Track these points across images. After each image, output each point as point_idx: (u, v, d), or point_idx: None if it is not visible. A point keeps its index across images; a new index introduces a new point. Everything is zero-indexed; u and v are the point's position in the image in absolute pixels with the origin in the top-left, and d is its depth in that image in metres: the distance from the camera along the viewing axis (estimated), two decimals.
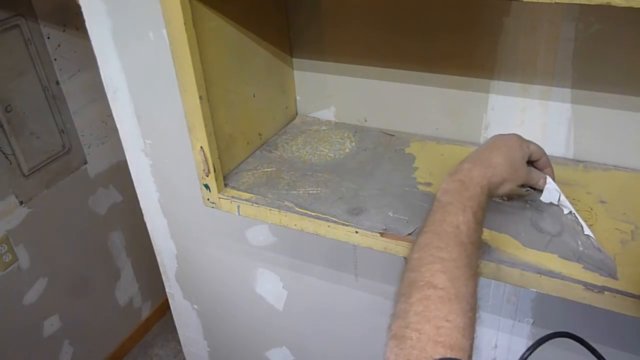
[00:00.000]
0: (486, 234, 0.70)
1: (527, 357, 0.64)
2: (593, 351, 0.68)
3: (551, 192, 0.72)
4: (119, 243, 2.31)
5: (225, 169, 0.86)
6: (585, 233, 0.68)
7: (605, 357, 0.66)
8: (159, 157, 1.21)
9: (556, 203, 0.72)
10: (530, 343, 1.01)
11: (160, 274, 1.47)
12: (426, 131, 0.94)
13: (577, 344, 0.68)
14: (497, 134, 0.70)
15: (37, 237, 1.94)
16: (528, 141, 0.70)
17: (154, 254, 1.43)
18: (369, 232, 0.73)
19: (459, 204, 0.58)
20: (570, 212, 0.71)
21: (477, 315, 0.51)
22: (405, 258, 0.60)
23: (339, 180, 0.84)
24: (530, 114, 0.84)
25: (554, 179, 0.73)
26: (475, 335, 0.49)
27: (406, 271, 0.54)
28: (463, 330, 0.47)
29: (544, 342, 0.66)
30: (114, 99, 1.16)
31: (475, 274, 0.54)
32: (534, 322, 0.97)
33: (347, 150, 0.92)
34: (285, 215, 0.79)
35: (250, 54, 0.87)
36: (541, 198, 0.73)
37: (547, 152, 0.85)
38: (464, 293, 0.50)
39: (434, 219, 0.58)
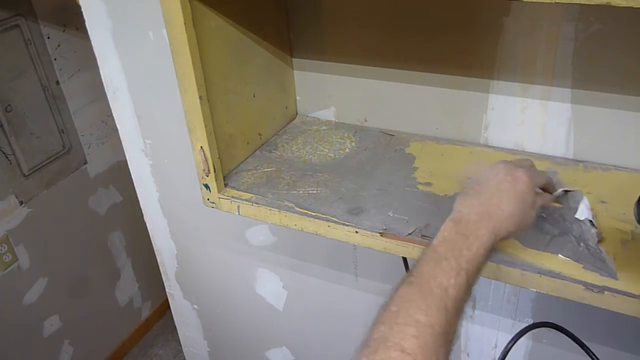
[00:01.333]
0: None
1: (510, 348, 0.64)
2: (576, 340, 0.68)
3: (584, 210, 0.69)
4: (119, 243, 2.31)
5: (225, 169, 0.86)
6: (596, 243, 0.67)
7: (594, 353, 0.66)
8: (159, 157, 1.21)
9: (591, 218, 0.68)
10: (531, 343, 1.02)
11: (160, 274, 1.47)
12: (426, 131, 0.93)
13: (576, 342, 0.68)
14: (502, 163, 0.62)
15: (37, 237, 1.94)
16: (537, 174, 0.63)
17: (154, 254, 1.43)
18: (369, 232, 0.73)
19: (455, 263, 0.53)
20: (591, 221, 0.69)
21: None
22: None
23: (339, 180, 0.84)
24: (530, 114, 0.84)
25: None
26: None
27: (378, 322, 0.50)
28: None
29: (525, 332, 0.66)
30: (114, 99, 1.16)
31: (450, 341, 0.50)
32: (534, 322, 0.97)
33: (347, 150, 0.92)
34: (285, 215, 0.79)
35: (250, 54, 0.87)
36: (576, 215, 0.69)
37: (547, 152, 0.86)
38: None
39: (423, 271, 0.53)
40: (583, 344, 0.71)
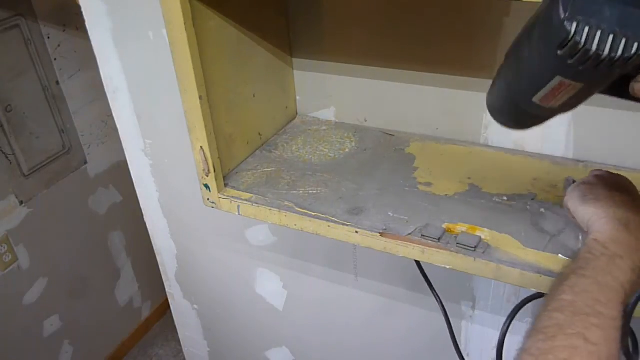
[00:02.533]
0: (486, 234, 0.70)
1: (509, 325, 0.64)
2: None
3: None
4: (119, 243, 2.31)
5: (225, 169, 0.86)
6: None
7: None
8: (159, 157, 1.21)
9: None
10: None
11: (160, 274, 1.47)
12: (426, 131, 0.94)
13: None
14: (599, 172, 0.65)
15: (37, 237, 1.94)
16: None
17: (154, 254, 1.43)
18: (369, 232, 0.73)
19: (631, 262, 0.51)
20: None
21: None
22: (541, 296, 0.53)
23: (339, 180, 0.84)
24: None
25: None
26: None
27: (550, 310, 0.49)
28: None
29: (522, 306, 0.66)
30: (114, 99, 1.16)
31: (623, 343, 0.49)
32: (534, 322, 0.97)
33: (347, 150, 0.92)
34: (285, 215, 0.79)
35: (250, 54, 0.87)
36: None
37: (547, 152, 0.86)
38: (615, 357, 0.45)
39: (596, 266, 0.51)
40: None
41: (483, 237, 0.69)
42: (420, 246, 0.70)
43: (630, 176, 0.78)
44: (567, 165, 0.82)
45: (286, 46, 0.95)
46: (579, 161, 0.83)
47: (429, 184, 0.81)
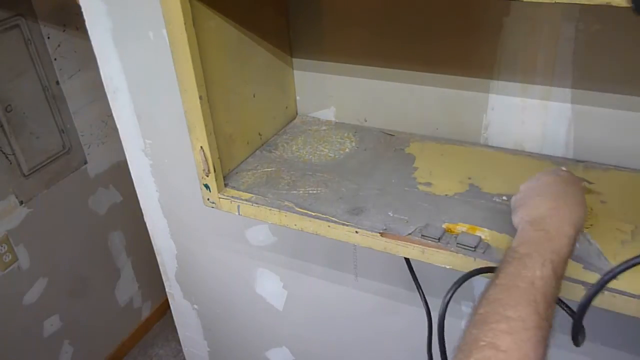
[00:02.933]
0: (486, 234, 0.70)
1: (450, 298, 0.64)
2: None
3: None
4: (119, 243, 2.31)
5: (225, 169, 0.86)
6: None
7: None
8: (159, 157, 1.21)
9: None
10: None
11: (160, 274, 1.47)
12: (426, 131, 0.94)
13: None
14: (542, 172, 0.66)
15: (37, 237, 1.94)
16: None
17: (154, 254, 1.43)
18: (369, 232, 0.73)
19: (539, 257, 0.53)
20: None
21: None
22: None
23: (339, 180, 0.84)
24: (530, 114, 0.84)
25: None
26: None
27: (469, 327, 0.50)
28: None
29: (465, 280, 0.66)
30: (114, 99, 1.16)
31: (546, 336, 0.48)
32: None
33: (347, 150, 0.92)
34: (285, 215, 0.79)
35: (250, 54, 0.87)
36: None
37: (547, 152, 0.86)
38: (531, 358, 0.46)
39: (507, 272, 0.53)
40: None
41: (483, 237, 0.69)
42: (420, 246, 0.70)
43: (630, 176, 0.79)
44: (567, 165, 0.82)
45: (286, 46, 0.95)
46: (579, 161, 0.83)
47: (429, 184, 0.81)
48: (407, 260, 0.89)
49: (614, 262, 0.64)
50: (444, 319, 0.66)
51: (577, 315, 0.53)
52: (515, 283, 0.51)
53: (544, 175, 0.65)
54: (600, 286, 0.52)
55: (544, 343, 0.48)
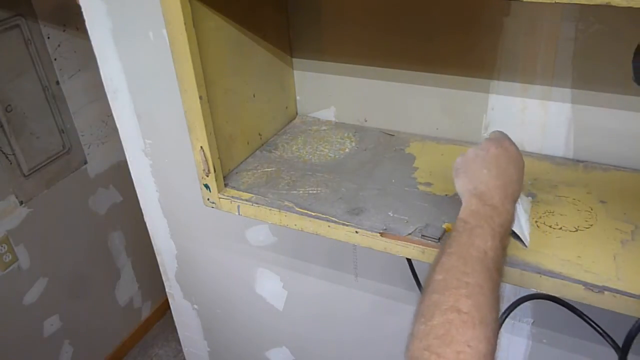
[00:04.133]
0: None
1: (506, 317, 0.68)
2: (575, 311, 0.69)
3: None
4: (119, 243, 2.31)
5: (225, 169, 0.86)
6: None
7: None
8: (159, 157, 1.21)
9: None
10: (531, 343, 1.02)
11: (160, 274, 1.47)
12: (426, 131, 0.94)
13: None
14: (486, 140, 0.67)
15: (37, 237, 1.94)
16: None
17: (154, 254, 1.43)
18: (369, 232, 0.73)
19: (489, 229, 0.57)
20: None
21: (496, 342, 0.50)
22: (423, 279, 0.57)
23: (339, 180, 0.84)
24: (530, 114, 0.84)
25: None
26: None
27: (427, 292, 0.53)
28: (484, 357, 0.46)
29: (522, 302, 0.68)
30: (114, 99, 1.16)
31: (497, 300, 0.53)
32: (534, 322, 0.97)
33: (347, 150, 0.92)
34: (285, 215, 0.79)
35: (250, 54, 0.87)
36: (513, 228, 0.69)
37: (547, 152, 0.86)
38: (489, 320, 0.49)
39: (460, 241, 0.56)
40: (584, 315, 0.71)
41: None
42: (420, 246, 0.70)
43: (630, 176, 0.79)
44: (567, 165, 0.82)
45: (286, 46, 0.95)
46: (579, 161, 0.83)
47: (429, 184, 0.81)
48: (409, 260, 0.89)
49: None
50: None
51: (622, 350, 0.53)
52: (470, 252, 0.55)
53: (492, 146, 0.65)
54: None
55: (497, 307, 0.52)
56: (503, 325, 1.00)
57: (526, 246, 0.67)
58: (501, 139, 0.67)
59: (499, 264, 0.55)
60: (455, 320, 0.48)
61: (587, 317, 0.73)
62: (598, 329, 0.71)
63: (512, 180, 0.63)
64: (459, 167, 0.66)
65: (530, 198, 0.75)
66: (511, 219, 0.61)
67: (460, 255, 0.55)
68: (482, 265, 0.53)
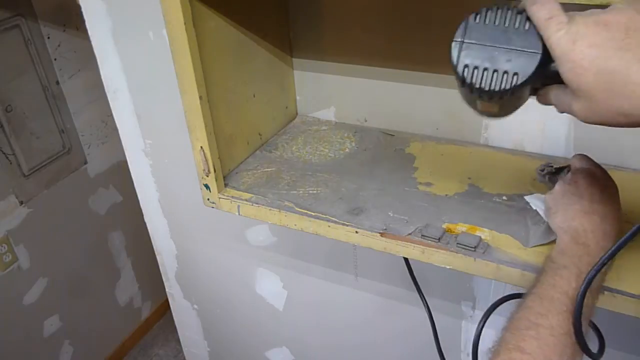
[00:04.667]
0: (486, 234, 0.70)
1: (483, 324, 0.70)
2: None
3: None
4: (119, 243, 2.31)
5: (225, 169, 0.86)
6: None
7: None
8: (159, 157, 1.21)
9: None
10: None
11: (160, 274, 1.47)
12: (426, 131, 0.93)
13: None
14: (577, 160, 0.65)
15: (37, 237, 1.94)
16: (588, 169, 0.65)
17: (154, 254, 1.43)
18: (369, 232, 0.73)
19: (575, 269, 0.54)
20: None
21: None
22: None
23: (339, 180, 0.84)
24: (530, 113, 0.84)
25: None
26: None
27: (504, 330, 0.53)
28: None
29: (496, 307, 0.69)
30: (114, 99, 1.16)
31: (575, 342, 0.51)
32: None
33: (347, 150, 0.92)
34: (285, 215, 0.79)
35: (250, 54, 0.87)
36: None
37: (547, 152, 0.86)
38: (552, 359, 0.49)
39: (543, 281, 0.55)
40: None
41: (483, 237, 0.69)
42: (420, 246, 0.70)
43: (630, 176, 0.78)
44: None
45: (286, 46, 0.95)
46: None
47: (429, 184, 0.81)
48: (406, 260, 0.89)
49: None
50: (477, 345, 0.72)
51: (578, 300, 0.53)
52: (550, 293, 0.53)
53: (580, 177, 0.63)
54: (596, 271, 0.52)
55: (573, 348, 0.50)
56: (503, 326, 1.01)
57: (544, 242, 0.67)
58: (587, 167, 0.64)
59: (585, 308, 0.52)
60: (516, 359, 0.49)
61: None
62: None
63: (607, 213, 0.59)
64: (550, 205, 0.63)
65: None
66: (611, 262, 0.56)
67: (539, 295, 0.54)
68: (560, 307, 0.52)
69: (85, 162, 2.07)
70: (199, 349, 1.58)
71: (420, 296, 0.90)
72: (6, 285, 1.86)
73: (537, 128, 0.85)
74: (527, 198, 0.71)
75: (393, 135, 0.95)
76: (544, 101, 0.49)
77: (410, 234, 0.71)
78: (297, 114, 1.04)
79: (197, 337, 1.55)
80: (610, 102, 0.41)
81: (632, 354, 0.91)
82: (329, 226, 0.76)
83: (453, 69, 0.48)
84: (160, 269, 1.46)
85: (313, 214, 0.77)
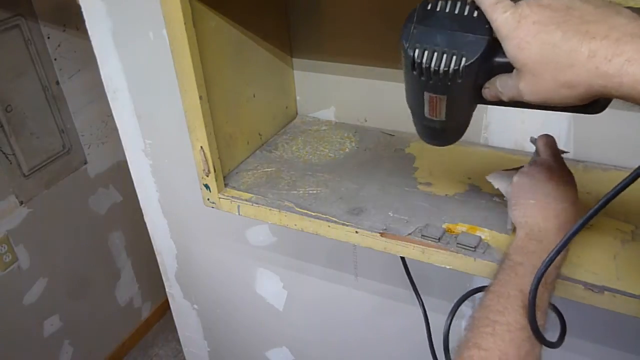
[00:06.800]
0: (486, 234, 0.70)
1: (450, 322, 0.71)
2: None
3: None
4: (119, 243, 2.31)
5: (225, 169, 0.86)
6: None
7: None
8: (159, 157, 1.21)
9: None
10: None
11: (160, 274, 1.47)
12: None
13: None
14: (527, 168, 0.65)
15: (37, 237, 1.94)
16: (552, 161, 0.65)
17: (154, 254, 1.43)
18: (369, 232, 0.73)
19: (530, 265, 0.56)
20: None
21: None
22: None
23: (339, 180, 0.84)
24: (530, 113, 0.84)
25: None
26: None
27: (466, 328, 0.54)
28: None
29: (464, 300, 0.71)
30: (114, 99, 1.16)
31: (532, 336, 0.52)
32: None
33: (347, 150, 0.92)
34: (285, 215, 0.79)
35: (250, 54, 0.87)
36: None
37: None
38: (512, 355, 0.50)
39: (500, 278, 0.56)
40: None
41: (483, 237, 0.69)
42: (420, 246, 0.70)
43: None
44: (567, 165, 0.82)
45: (286, 46, 0.95)
46: (578, 161, 0.83)
47: (429, 184, 0.81)
48: (403, 259, 0.88)
49: None
50: (447, 338, 0.73)
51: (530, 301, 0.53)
52: (507, 290, 0.54)
53: (536, 170, 0.64)
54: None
55: (530, 341, 0.51)
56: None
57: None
58: (545, 160, 0.65)
59: (539, 300, 0.53)
60: (474, 356, 0.50)
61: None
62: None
63: (561, 209, 0.60)
64: (509, 198, 0.64)
65: None
66: (563, 254, 0.57)
67: (497, 293, 0.55)
68: (516, 304, 0.53)
69: (85, 162, 2.07)
70: (199, 349, 1.58)
71: (416, 295, 0.90)
72: (6, 285, 1.86)
73: (537, 128, 0.85)
74: (488, 178, 0.71)
75: (393, 135, 0.95)
76: (491, 93, 0.50)
77: (410, 234, 0.71)
78: (297, 114, 1.04)
79: (197, 337, 1.56)
80: (555, 74, 0.42)
81: (632, 353, 0.91)
82: (329, 226, 0.76)
83: (403, 52, 0.49)
84: (160, 269, 1.46)
85: (313, 214, 0.77)
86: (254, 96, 0.90)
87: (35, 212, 1.92)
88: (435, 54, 0.47)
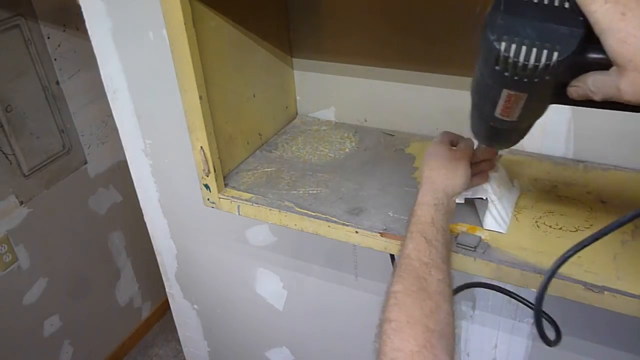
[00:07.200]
0: (486, 234, 0.70)
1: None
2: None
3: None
4: (119, 243, 2.31)
5: (225, 169, 0.86)
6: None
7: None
8: (159, 157, 1.21)
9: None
10: (531, 343, 1.02)
11: (160, 274, 1.47)
12: (426, 131, 0.93)
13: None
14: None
15: (37, 237, 1.94)
16: (454, 137, 0.71)
17: (154, 254, 1.43)
18: (369, 232, 0.73)
19: (407, 233, 0.61)
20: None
21: (451, 326, 0.52)
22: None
23: (339, 180, 0.84)
24: None
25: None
26: (449, 347, 0.51)
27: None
28: (418, 353, 0.48)
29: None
30: (114, 99, 1.16)
31: (433, 292, 0.54)
32: (534, 322, 0.97)
33: (347, 150, 0.92)
34: (285, 215, 0.79)
35: (250, 54, 0.87)
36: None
37: (547, 152, 0.85)
38: (418, 316, 0.51)
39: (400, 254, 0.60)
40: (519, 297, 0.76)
41: (483, 237, 0.69)
42: None
43: (630, 176, 0.79)
44: (567, 165, 0.82)
45: (286, 46, 0.95)
46: (579, 161, 0.83)
47: None
48: (392, 257, 0.88)
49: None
50: None
51: (536, 307, 0.54)
52: (398, 262, 0.58)
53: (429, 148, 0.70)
54: (552, 272, 0.53)
55: (433, 298, 0.53)
56: (504, 326, 1.00)
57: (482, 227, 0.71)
58: (437, 138, 0.71)
59: (426, 258, 0.57)
60: (387, 331, 0.51)
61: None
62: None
63: (429, 178, 0.66)
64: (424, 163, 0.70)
65: (516, 187, 0.76)
66: (431, 210, 0.63)
67: (394, 269, 0.58)
68: (406, 268, 0.56)
69: (85, 162, 2.07)
70: (199, 349, 1.58)
71: None
72: (6, 285, 1.86)
73: (537, 128, 0.84)
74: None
75: (393, 135, 0.95)
76: (579, 92, 0.46)
77: None
78: (297, 114, 1.04)
79: (197, 337, 1.56)
80: None
81: (632, 353, 0.91)
82: (329, 226, 0.76)
83: (487, 44, 0.44)
84: (160, 269, 1.46)
85: (313, 214, 0.77)
86: (254, 96, 0.90)
87: (35, 212, 1.92)
88: (524, 47, 0.42)
